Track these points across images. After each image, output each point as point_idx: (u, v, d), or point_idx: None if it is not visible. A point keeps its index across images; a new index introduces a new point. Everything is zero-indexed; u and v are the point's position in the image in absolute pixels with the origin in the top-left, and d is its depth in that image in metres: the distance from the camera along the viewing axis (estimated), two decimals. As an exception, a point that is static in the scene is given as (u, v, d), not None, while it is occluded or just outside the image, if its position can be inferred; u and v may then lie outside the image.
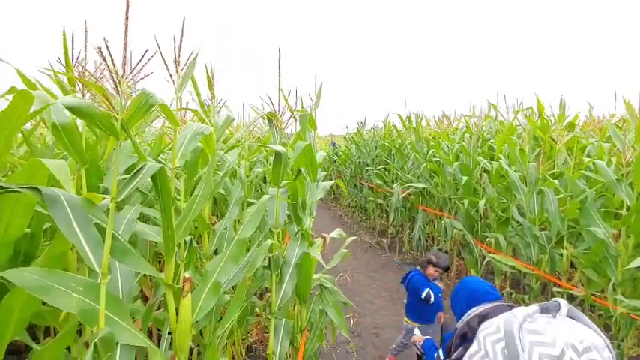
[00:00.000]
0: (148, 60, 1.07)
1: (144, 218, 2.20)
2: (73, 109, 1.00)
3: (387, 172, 6.87)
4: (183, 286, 1.42)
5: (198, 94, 1.89)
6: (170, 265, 1.37)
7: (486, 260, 3.44)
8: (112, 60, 1.01)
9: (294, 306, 2.73)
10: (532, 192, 3.23)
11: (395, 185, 5.61)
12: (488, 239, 3.70)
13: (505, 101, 5.05)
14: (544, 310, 1.21)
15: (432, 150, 4.79)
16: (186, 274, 1.43)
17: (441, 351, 1.62)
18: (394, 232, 6.46)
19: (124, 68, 1.03)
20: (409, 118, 6.21)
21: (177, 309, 1.42)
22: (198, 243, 2.13)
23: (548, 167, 3.50)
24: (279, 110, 1.90)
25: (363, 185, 7.91)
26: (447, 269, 2.98)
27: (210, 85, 2.10)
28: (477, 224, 4.00)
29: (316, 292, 2.68)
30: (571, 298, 3.03)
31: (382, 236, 6.95)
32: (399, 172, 6.04)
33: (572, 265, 2.91)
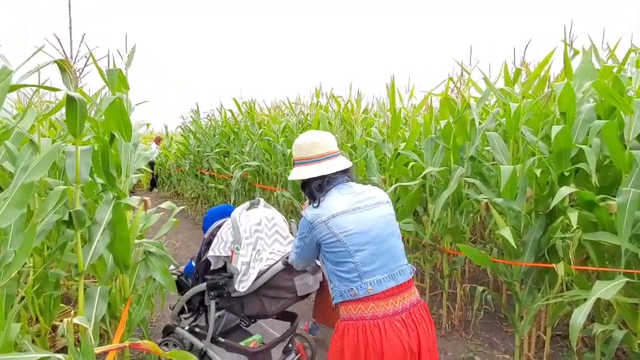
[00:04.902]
0: None
1: None
2: None
3: (226, 158, 6.98)
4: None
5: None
6: None
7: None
8: None
9: (115, 279, 2.59)
10: (336, 157, 3.97)
11: (232, 166, 5.80)
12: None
13: (321, 89, 5.92)
14: (252, 205, 2.09)
15: (263, 129, 5.21)
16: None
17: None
18: (236, 214, 6.66)
19: None
20: (245, 103, 6.50)
21: None
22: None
23: (350, 139, 4.38)
24: (72, 57, 1.78)
25: (204, 174, 7.78)
26: None
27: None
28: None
29: (140, 258, 2.62)
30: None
31: (226, 221, 7.06)
32: (237, 156, 6.24)
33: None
